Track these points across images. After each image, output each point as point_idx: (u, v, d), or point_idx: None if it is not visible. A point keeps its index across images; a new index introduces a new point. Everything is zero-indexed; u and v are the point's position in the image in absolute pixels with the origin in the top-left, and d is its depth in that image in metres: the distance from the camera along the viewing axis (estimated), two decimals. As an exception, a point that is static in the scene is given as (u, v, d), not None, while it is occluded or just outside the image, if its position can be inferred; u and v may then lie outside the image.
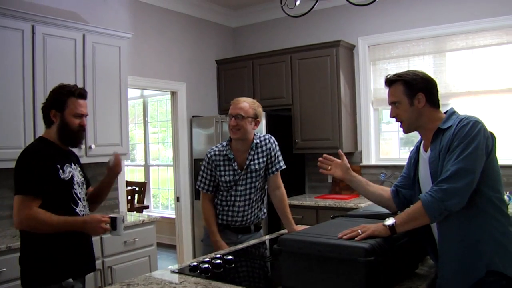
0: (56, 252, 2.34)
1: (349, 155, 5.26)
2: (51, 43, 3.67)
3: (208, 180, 3.02)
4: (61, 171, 2.39)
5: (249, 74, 5.65)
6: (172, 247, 6.72)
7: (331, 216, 2.83)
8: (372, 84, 5.21)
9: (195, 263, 2.29)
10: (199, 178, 3.05)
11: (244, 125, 2.90)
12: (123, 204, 4.65)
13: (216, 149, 3.03)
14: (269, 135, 3.13)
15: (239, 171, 2.97)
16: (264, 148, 3.04)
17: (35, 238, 2.32)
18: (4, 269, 3.02)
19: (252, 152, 2.99)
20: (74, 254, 2.43)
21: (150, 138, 8.43)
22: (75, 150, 2.68)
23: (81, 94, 2.47)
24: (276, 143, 3.12)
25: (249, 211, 3.04)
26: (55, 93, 2.46)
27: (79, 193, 2.48)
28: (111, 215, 2.43)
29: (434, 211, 1.85)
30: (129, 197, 6.15)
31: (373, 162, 5.22)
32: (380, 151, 5.29)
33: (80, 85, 3.77)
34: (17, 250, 3.04)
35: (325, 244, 1.78)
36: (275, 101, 5.42)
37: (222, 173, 2.97)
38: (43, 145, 2.44)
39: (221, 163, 2.98)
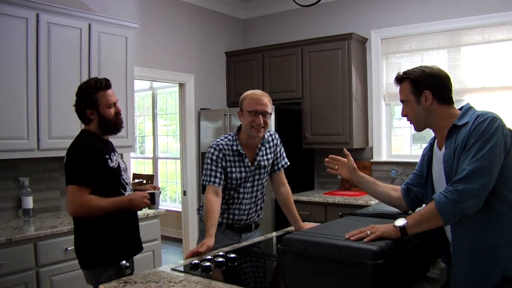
0: (109, 236, 2.53)
1: (359, 151, 5.15)
2: (55, 32, 3.60)
3: (219, 173, 2.74)
4: (109, 160, 2.56)
5: (259, 66, 5.55)
6: (179, 241, 6.66)
7: (339, 214, 2.76)
8: (385, 78, 5.08)
9: (197, 261, 2.21)
10: (207, 172, 2.75)
11: (268, 122, 2.78)
12: (128, 197, 4.57)
13: (223, 142, 2.81)
14: (273, 131, 3.02)
15: (252, 167, 2.84)
16: (271, 144, 2.94)
17: (89, 224, 2.51)
18: (4, 262, 2.96)
19: (263, 148, 2.88)
20: (124, 237, 2.62)
21: (159, 131, 8.36)
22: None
23: (107, 85, 2.60)
24: (279, 138, 3.03)
25: (254, 209, 2.94)
26: (84, 92, 2.58)
27: (126, 178, 2.67)
28: (149, 191, 2.68)
29: (448, 213, 1.74)
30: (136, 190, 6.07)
31: (384, 158, 5.10)
32: (391, 147, 5.16)
33: (85, 75, 3.77)
34: (18, 243, 3.08)
35: (331, 245, 1.68)
36: (285, 95, 5.32)
37: (233, 169, 2.78)
38: (91, 138, 2.58)
39: (231, 158, 2.79)
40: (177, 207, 7.66)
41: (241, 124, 2.83)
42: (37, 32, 3.50)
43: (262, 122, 2.71)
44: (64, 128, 3.58)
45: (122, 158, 2.89)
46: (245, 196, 2.86)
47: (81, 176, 2.44)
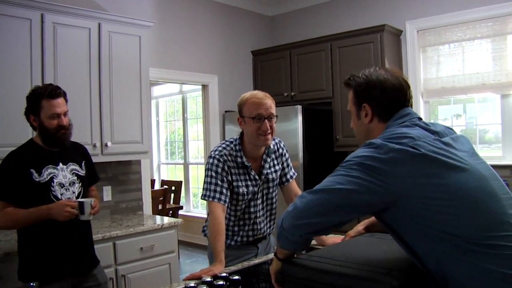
0: (41, 251, 2.43)
1: (395, 153, 4.74)
2: (62, 33, 3.40)
3: (225, 189, 2.35)
4: (36, 174, 2.40)
5: (286, 65, 5.23)
6: (208, 249, 6.42)
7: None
8: (422, 73, 4.65)
9: (193, 284, 1.91)
10: (210, 186, 2.35)
11: (275, 128, 2.40)
12: (147, 206, 4.34)
13: (226, 151, 2.42)
14: (278, 139, 2.66)
15: (259, 181, 2.49)
16: (277, 153, 2.60)
17: (26, 237, 2.46)
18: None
19: (269, 159, 2.52)
20: (59, 254, 2.45)
21: (189, 135, 8.15)
22: (88, 147, 2.81)
23: (51, 94, 2.43)
24: (285, 147, 2.69)
25: (268, 224, 2.62)
26: (28, 98, 2.48)
27: (62, 194, 2.48)
28: (79, 199, 2.48)
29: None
30: (161, 198, 5.86)
31: (423, 161, 4.66)
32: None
33: (95, 78, 3.56)
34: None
35: (339, 274, 1.35)
36: (314, 94, 4.98)
37: (239, 183, 2.41)
38: (23, 148, 2.50)
39: (236, 170, 2.42)
40: (208, 213, 7.41)
41: (243, 131, 2.47)
42: (42, 34, 3.29)
43: (269, 127, 2.35)
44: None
45: (88, 169, 2.69)
46: (258, 215, 2.52)
47: (0, 191, 2.40)
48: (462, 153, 1.37)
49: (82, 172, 2.63)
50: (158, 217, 4.04)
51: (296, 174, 2.72)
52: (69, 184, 2.53)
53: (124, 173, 4.15)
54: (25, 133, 3.20)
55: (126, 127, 3.77)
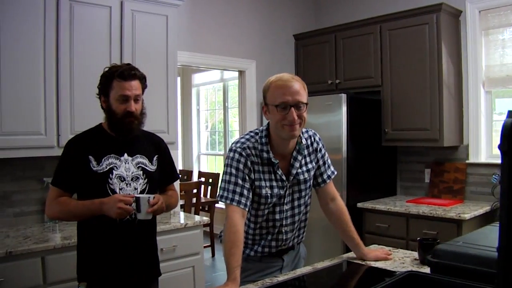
0: (93, 251, 2.21)
1: (452, 149, 4.24)
2: (79, 12, 3.13)
3: (246, 190, 1.98)
4: (94, 162, 2.17)
5: (331, 49, 4.78)
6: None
7: (418, 239, 2.08)
8: (484, 60, 4.10)
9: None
10: (229, 186, 1.98)
11: (305, 117, 2.00)
12: (175, 201, 4.02)
13: (250, 144, 2.04)
14: (313, 131, 2.24)
15: (286, 183, 2.09)
16: (310, 149, 2.18)
17: (82, 232, 2.27)
18: (2, 279, 2.50)
19: (300, 157, 2.11)
20: (110, 258, 2.20)
21: (230, 125, 7.83)
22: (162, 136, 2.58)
23: (123, 74, 2.16)
24: (322, 140, 2.26)
25: (296, 234, 2.22)
26: (102, 76, 2.24)
27: (121, 188, 2.19)
28: (136, 195, 2.15)
29: None
30: (195, 191, 5.57)
31: (483, 159, 4.12)
32: (492, 145, 4.17)
33: (116, 62, 3.20)
34: (20, 257, 2.59)
35: None
36: (361, 82, 4.52)
37: (263, 183, 2.03)
38: (88, 133, 2.28)
39: (260, 168, 2.04)
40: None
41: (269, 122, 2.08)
42: (57, 13, 3.04)
43: (296, 117, 1.95)
44: (89, 122, 3.05)
45: (160, 164, 2.37)
46: (284, 223, 2.12)
47: (57, 179, 2.20)
48: None
49: (151, 168, 2.32)
50: (183, 215, 3.71)
51: (336, 172, 2.30)
52: (132, 179, 2.24)
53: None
54: (36, 120, 2.99)
55: (149, 116, 3.42)
